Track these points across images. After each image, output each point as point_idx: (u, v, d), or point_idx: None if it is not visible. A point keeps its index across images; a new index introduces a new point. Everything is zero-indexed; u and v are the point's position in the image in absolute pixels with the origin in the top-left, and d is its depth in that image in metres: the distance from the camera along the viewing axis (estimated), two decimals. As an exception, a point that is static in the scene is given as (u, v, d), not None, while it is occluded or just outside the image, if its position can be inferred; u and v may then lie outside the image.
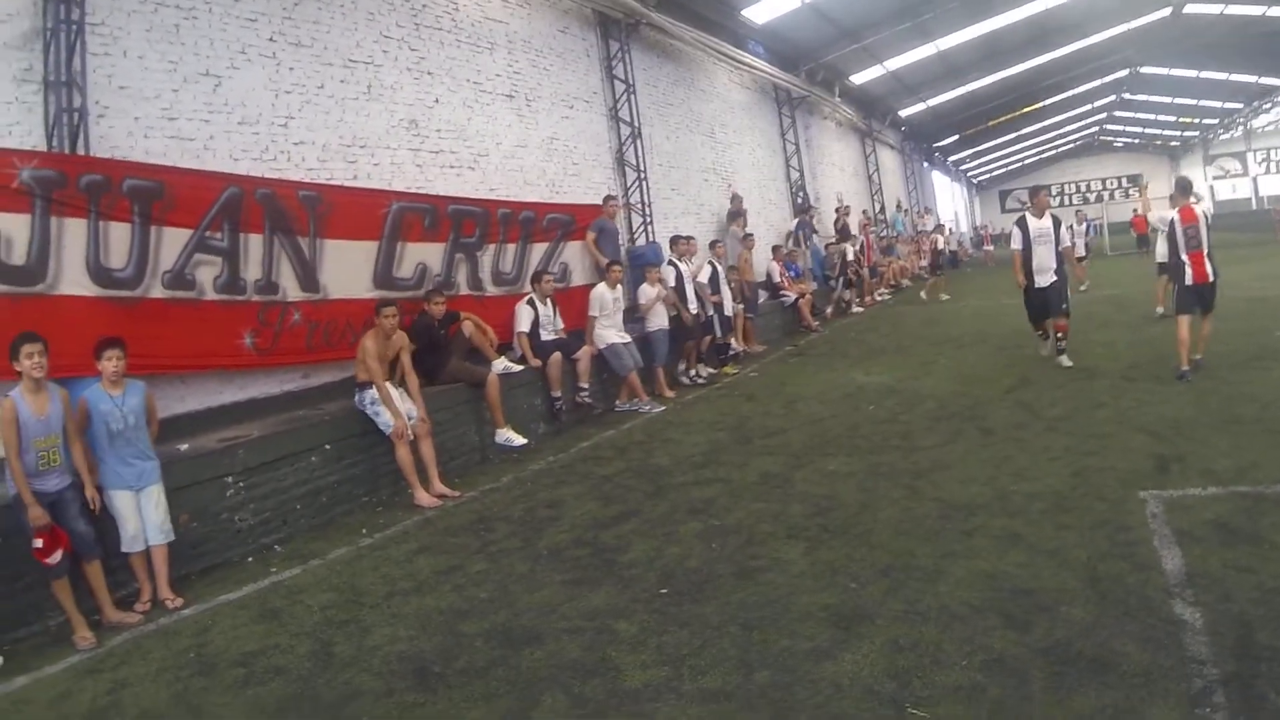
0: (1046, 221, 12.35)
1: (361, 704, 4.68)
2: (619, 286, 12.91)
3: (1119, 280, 23.94)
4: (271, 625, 5.92)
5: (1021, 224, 12.56)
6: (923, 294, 25.56)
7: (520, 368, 10.97)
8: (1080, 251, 23.40)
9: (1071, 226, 15.58)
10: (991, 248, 48.24)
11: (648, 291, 13.72)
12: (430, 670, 5.00)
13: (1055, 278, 12.23)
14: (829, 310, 22.49)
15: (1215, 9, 31.46)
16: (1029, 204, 13.22)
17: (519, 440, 10.54)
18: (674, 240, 15.51)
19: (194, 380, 8.62)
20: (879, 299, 26.42)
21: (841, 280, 23.73)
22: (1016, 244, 12.71)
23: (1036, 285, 12.39)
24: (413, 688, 4.81)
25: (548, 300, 11.90)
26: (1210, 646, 4.36)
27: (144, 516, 6.52)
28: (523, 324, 11.57)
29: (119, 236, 7.77)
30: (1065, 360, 12.30)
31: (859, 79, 30.32)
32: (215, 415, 8.65)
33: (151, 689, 5.12)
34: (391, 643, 5.43)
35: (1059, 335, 12.48)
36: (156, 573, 6.55)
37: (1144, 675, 4.17)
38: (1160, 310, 15.91)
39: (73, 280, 7.44)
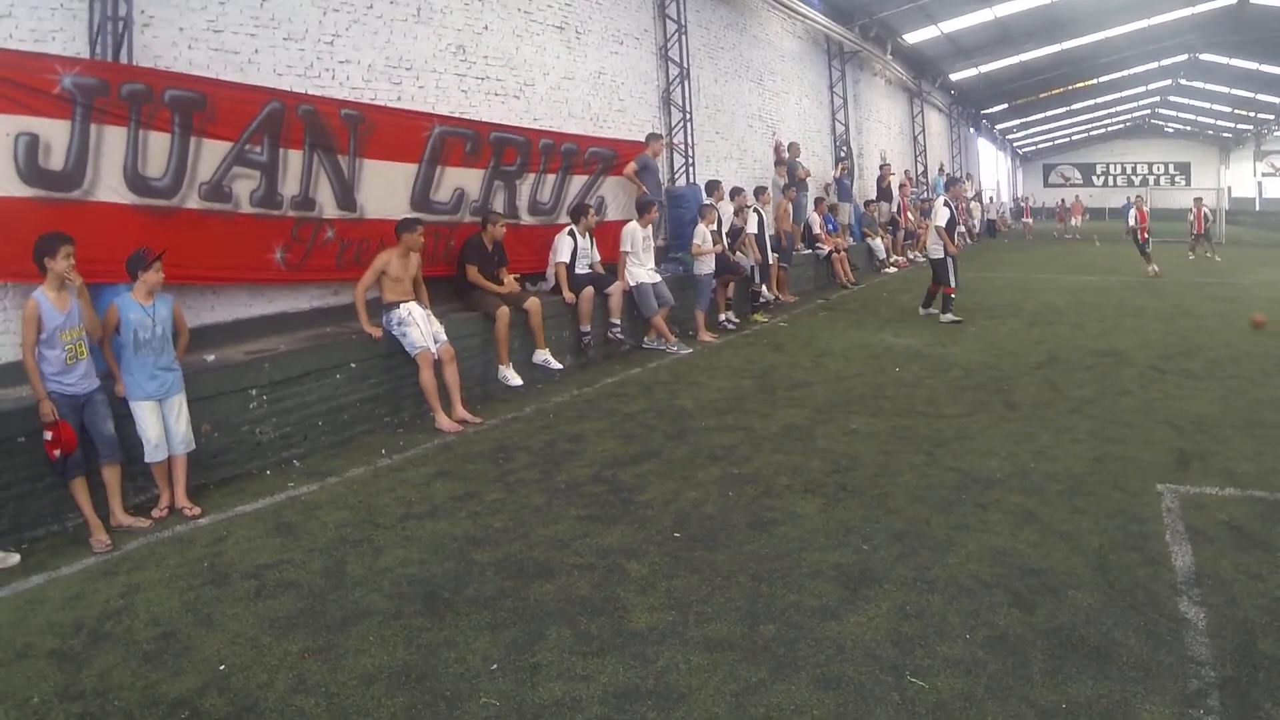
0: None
1: (369, 623, 4.71)
2: (650, 226, 12.84)
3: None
4: (286, 540, 5.96)
5: (948, 204, 15.93)
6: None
7: (558, 365, 10.85)
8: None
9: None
10: (1030, 220, 47.56)
11: (703, 232, 13.70)
12: (439, 595, 5.03)
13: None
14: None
15: (1283, 1, 30.64)
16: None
17: (556, 364, 10.67)
18: (712, 185, 15.42)
19: (224, 292, 8.62)
20: (913, 260, 26.20)
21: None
22: (941, 221, 15.45)
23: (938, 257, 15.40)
24: (421, 611, 4.84)
25: (587, 234, 11.86)
26: (1211, 648, 4.35)
27: (167, 426, 6.54)
28: (563, 254, 11.51)
29: (158, 146, 7.72)
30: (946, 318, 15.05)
31: (912, 38, 29.88)
32: (243, 328, 8.66)
33: (164, 595, 5.16)
34: (403, 565, 5.47)
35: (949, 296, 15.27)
36: (175, 481, 6.60)
37: (1143, 669, 4.17)
38: None
39: (109, 187, 7.41)
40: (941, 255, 15.29)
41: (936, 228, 15.49)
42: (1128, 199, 28.73)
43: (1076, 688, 4.02)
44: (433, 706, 3.93)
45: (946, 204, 16.05)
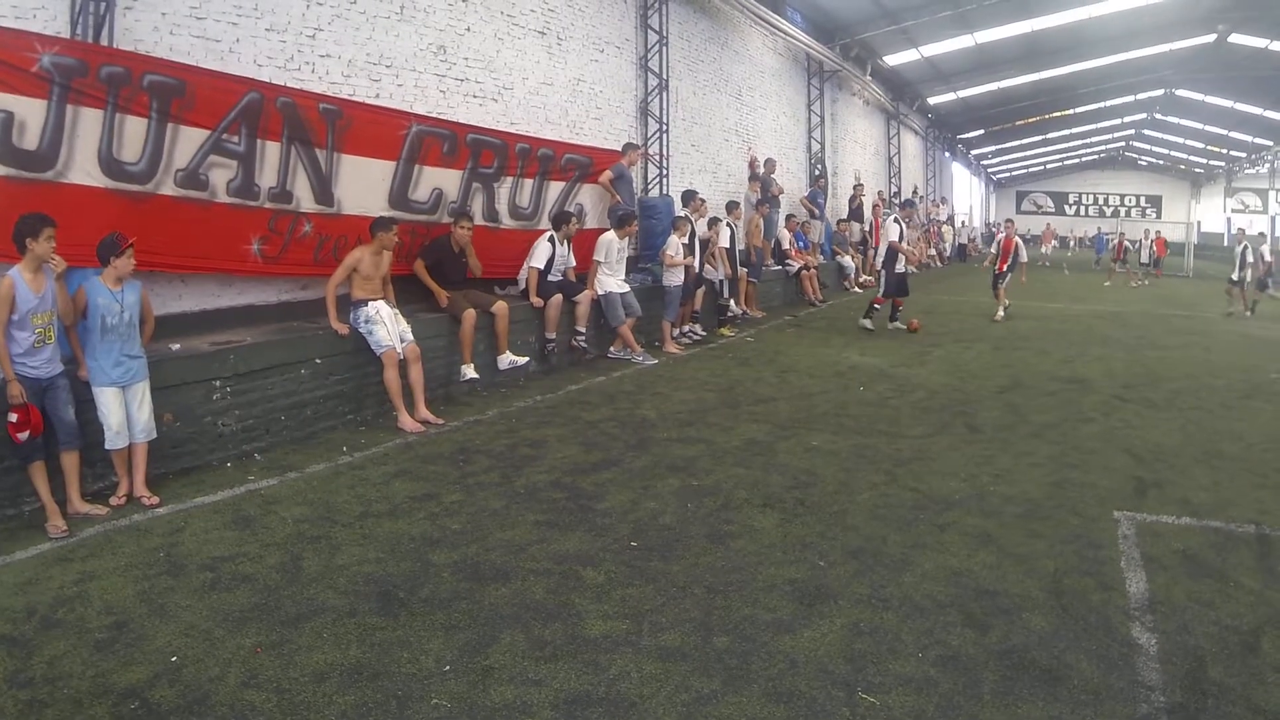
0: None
1: (323, 620, 4.72)
2: (626, 239, 12.91)
3: (1128, 299, 23.95)
4: (243, 533, 5.96)
5: (898, 221, 17.18)
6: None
7: (525, 359, 10.89)
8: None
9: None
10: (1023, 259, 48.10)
11: (675, 243, 13.74)
12: (395, 595, 5.04)
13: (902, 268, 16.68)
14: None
15: (1261, 43, 31.21)
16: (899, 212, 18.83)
17: (521, 360, 10.70)
18: (687, 195, 15.51)
19: (193, 280, 8.59)
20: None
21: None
22: (894, 236, 16.58)
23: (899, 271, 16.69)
24: (376, 610, 4.85)
25: (566, 241, 11.90)
26: (1162, 674, 4.41)
27: (129, 414, 6.51)
28: (538, 260, 11.54)
29: (134, 131, 7.69)
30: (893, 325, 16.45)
31: (892, 60, 30.14)
32: (210, 318, 8.64)
33: (118, 584, 5.14)
34: (359, 563, 5.48)
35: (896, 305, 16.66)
36: (135, 469, 6.57)
37: (1093, 693, 4.22)
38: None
39: (83, 170, 7.37)
40: (880, 267, 16.47)
41: (891, 242, 16.40)
42: (996, 227, 27.96)
43: (1026, 709, 4.07)
44: (384, 706, 3.94)
45: (896, 220, 17.05)
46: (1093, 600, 5.24)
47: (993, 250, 21.68)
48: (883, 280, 16.71)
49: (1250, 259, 22.66)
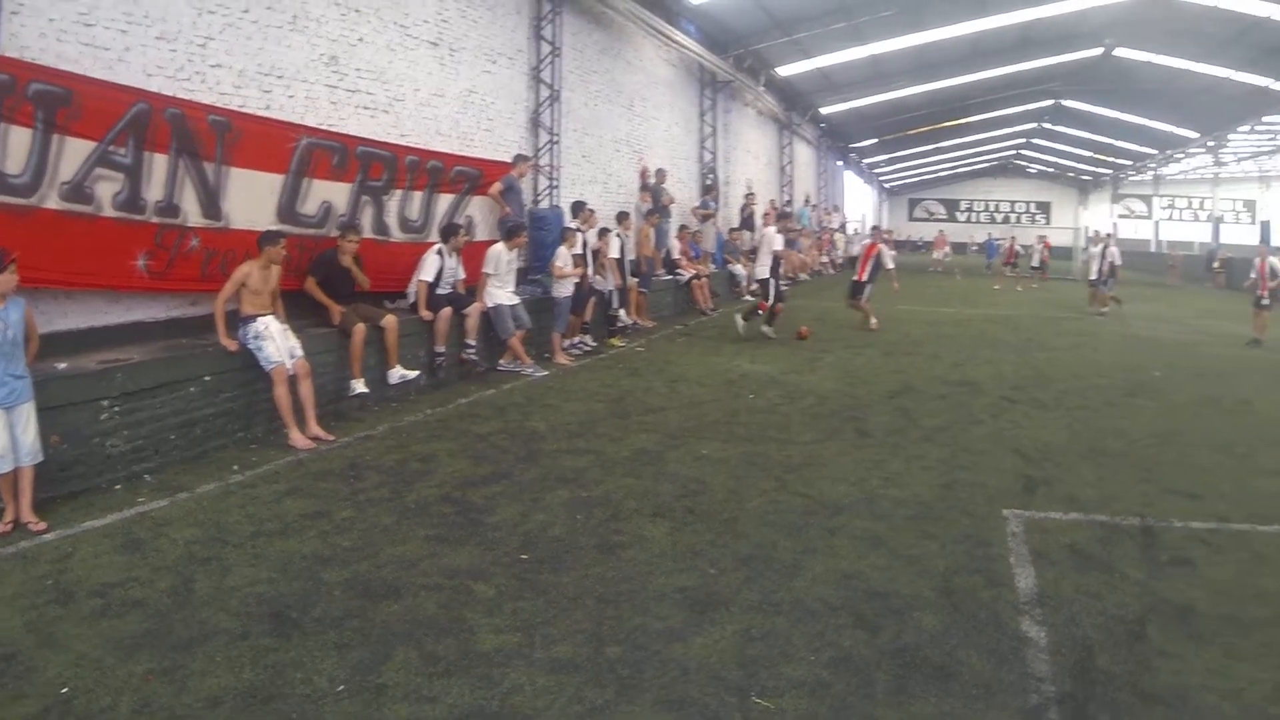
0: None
1: (216, 644, 4.68)
2: (515, 250, 13.00)
3: (1018, 303, 24.78)
4: (134, 557, 5.87)
5: (780, 232, 18.08)
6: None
7: (415, 373, 10.92)
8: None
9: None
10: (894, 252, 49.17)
11: (564, 255, 13.83)
12: (287, 615, 5.02)
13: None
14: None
15: (1145, 56, 32.63)
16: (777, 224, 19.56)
17: (412, 373, 10.72)
18: (577, 206, 15.66)
19: (79, 297, 8.40)
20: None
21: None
22: (779, 245, 17.37)
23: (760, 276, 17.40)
24: (268, 632, 4.83)
25: (455, 254, 11.94)
26: (1051, 665, 4.62)
27: (14, 437, 6.34)
28: (427, 273, 11.56)
29: (18, 141, 7.51)
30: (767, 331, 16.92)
31: (786, 71, 30.65)
32: (97, 335, 8.46)
33: (5, 614, 5.01)
34: (251, 584, 5.44)
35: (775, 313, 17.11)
36: (20, 494, 6.39)
37: (984, 687, 4.39)
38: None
39: (-39, 182, 7.19)
40: (767, 275, 16.93)
41: (773, 251, 17.01)
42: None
43: (919, 705, 4.21)
44: None
45: (780, 231, 17.81)
46: (983, 597, 5.44)
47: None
48: (772, 288, 17.04)
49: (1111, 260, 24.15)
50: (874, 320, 18.92)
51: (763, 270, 17.32)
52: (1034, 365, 14.33)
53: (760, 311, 17.21)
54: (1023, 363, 14.58)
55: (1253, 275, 19.86)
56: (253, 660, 4.55)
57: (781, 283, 17.13)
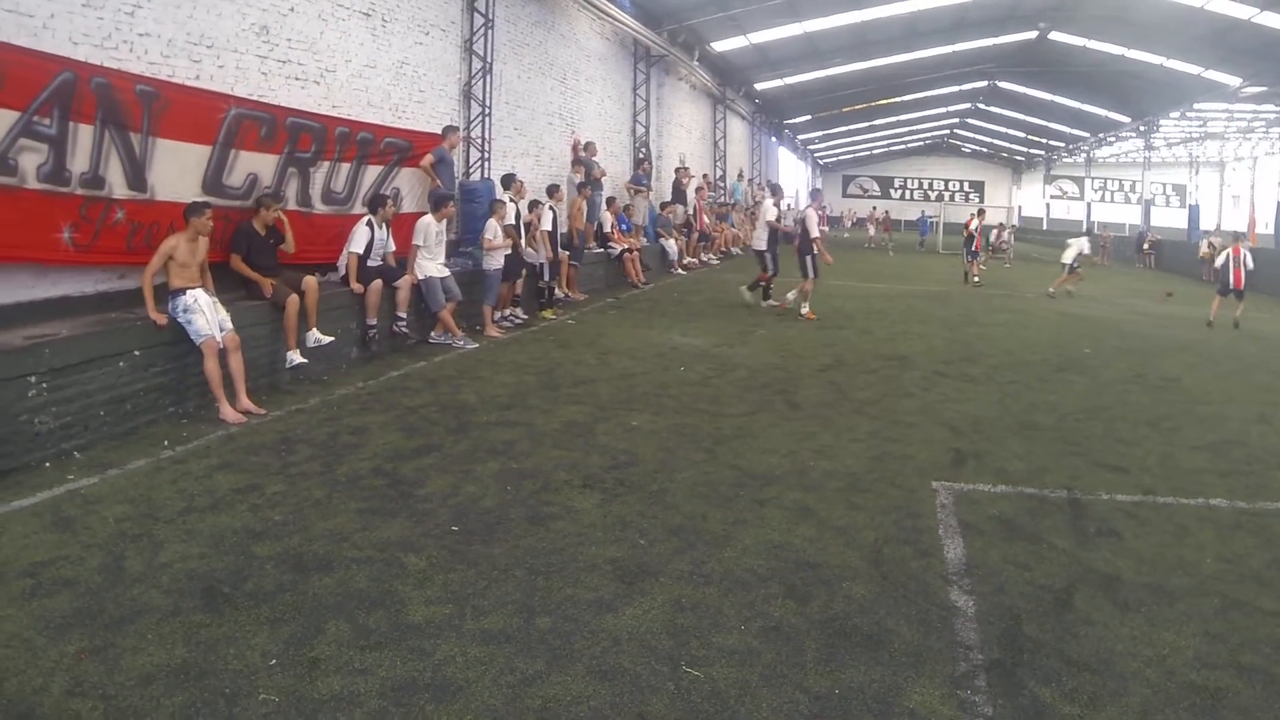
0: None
1: (148, 621, 4.64)
2: (444, 221, 13.01)
3: (947, 278, 25.22)
4: (64, 535, 5.81)
5: (777, 205, 18.65)
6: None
7: (330, 339, 10.74)
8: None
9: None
10: (826, 228, 49.61)
11: (494, 227, 13.85)
12: (219, 591, 5.01)
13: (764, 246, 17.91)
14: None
15: (1079, 41, 33.25)
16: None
17: (327, 338, 10.57)
18: (507, 179, 15.67)
19: (5, 271, 8.26)
20: (706, 262, 27.10)
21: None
22: (771, 216, 18.10)
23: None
24: (200, 608, 4.80)
25: (384, 225, 11.92)
26: (979, 633, 4.76)
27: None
28: (357, 245, 11.51)
29: (-61, 113, 7.39)
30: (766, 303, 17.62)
31: (720, 46, 30.74)
32: (24, 311, 8.32)
33: None
34: (183, 560, 5.41)
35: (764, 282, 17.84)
36: (-54, 474, 6.30)
37: (913, 655, 4.50)
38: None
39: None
40: (764, 247, 17.63)
41: (767, 222, 17.79)
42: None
43: (849, 673, 4.31)
44: (212, 704, 3.95)
45: (775, 204, 18.41)
46: (912, 567, 5.58)
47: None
48: (770, 260, 17.83)
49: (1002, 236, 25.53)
50: (790, 296, 17.51)
51: (760, 243, 18.12)
52: (965, 340, 14.64)
53: (761, 283, 17.86)
54: (954, 338, 14.88)
55: (1218, 264, 20.21)
56: (185, 637, 4.52)
57: (715, 255, 17.69)
